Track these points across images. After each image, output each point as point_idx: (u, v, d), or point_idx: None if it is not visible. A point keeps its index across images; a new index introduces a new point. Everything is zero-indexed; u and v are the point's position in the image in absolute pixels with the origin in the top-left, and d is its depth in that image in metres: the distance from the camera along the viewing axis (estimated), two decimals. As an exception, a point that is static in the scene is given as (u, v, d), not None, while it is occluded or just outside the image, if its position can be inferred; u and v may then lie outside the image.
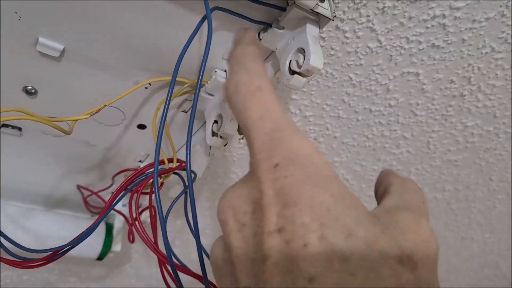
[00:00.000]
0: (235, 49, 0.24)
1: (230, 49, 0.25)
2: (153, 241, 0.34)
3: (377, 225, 0.17)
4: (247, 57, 0.23)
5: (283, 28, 0.31)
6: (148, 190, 0.37)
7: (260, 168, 0.17)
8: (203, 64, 0.27)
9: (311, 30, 0.30)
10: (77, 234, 0.36)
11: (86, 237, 0.33)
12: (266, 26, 0.32)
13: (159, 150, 0.30)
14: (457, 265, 0.81)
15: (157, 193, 0.27)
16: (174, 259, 0.33)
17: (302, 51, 0.30)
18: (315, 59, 0.29)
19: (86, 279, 0.61)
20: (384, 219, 0.18)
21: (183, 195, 0.38)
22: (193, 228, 0.28)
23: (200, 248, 0.26)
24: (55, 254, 0.31)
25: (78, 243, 0.32)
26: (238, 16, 0.30)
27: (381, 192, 0.23)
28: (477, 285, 0.86)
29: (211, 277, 0.21)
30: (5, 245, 0.31)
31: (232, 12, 0.30)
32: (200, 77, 0.28)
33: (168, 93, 0.30)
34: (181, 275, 0.29)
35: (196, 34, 0.28)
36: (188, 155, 0.29)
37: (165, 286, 0.34)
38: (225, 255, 0.19)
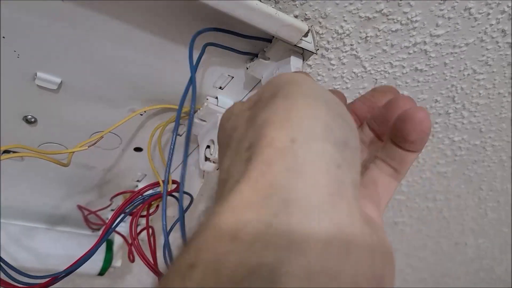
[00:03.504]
0: None
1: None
2: (152, 262, 0.35)
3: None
4: None
5: (268, 58, 0.33)
6: (145, 213, 0.38)
7: None
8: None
9: (295, 62, 0.32)
10: (78, 251, 0.37)
11: (86, 261, 0.35)
12: (252, 56, 0.33)
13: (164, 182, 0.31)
14: (452, 269, 0.82)
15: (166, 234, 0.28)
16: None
17: (287, 82, 0.31)
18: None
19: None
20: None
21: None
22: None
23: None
24: (56, 279, 0.33)
25: (78, 268, 0.34)
26: (227, 50, 0.32)
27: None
28: (473, 288, 0.88)
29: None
30: (6, 269, 0.33)
31: (222, 46, 0.32)
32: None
33: (176, 120, 0.32)
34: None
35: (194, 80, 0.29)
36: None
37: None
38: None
